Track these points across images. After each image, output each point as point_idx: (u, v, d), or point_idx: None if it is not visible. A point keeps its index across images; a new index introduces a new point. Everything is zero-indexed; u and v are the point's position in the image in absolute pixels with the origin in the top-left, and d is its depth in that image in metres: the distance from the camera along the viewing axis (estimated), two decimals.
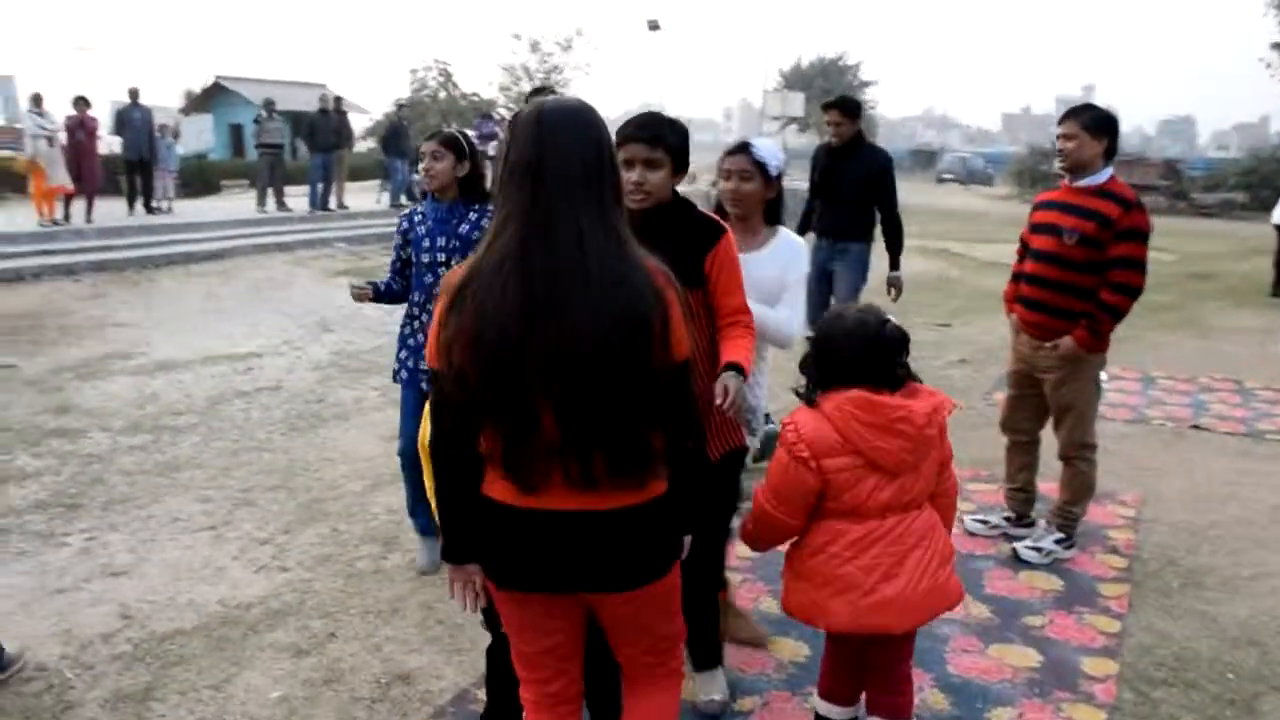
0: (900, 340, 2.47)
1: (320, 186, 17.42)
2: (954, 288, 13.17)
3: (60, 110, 14.41)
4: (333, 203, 17.64)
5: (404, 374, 4.03)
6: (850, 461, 2.40)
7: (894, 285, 6.38)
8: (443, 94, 40.71)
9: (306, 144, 17.41)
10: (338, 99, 18.03)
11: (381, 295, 4.09)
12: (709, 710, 3.09)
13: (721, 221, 2.91)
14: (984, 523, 4.60)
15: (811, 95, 43.82)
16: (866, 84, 54.28)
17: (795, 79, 53.08)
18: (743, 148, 3.26)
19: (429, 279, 3.90)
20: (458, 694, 3.24)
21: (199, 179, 25.31)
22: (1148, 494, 5.13)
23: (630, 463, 1.94)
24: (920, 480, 2.49)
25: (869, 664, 2.68)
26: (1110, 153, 4.06)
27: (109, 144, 17.52)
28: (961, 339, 9.44)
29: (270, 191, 17.38)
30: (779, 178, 3.28)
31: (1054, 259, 4.12)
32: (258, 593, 3.99)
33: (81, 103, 14.21)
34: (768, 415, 4.68)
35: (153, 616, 3.79)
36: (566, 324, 1.85)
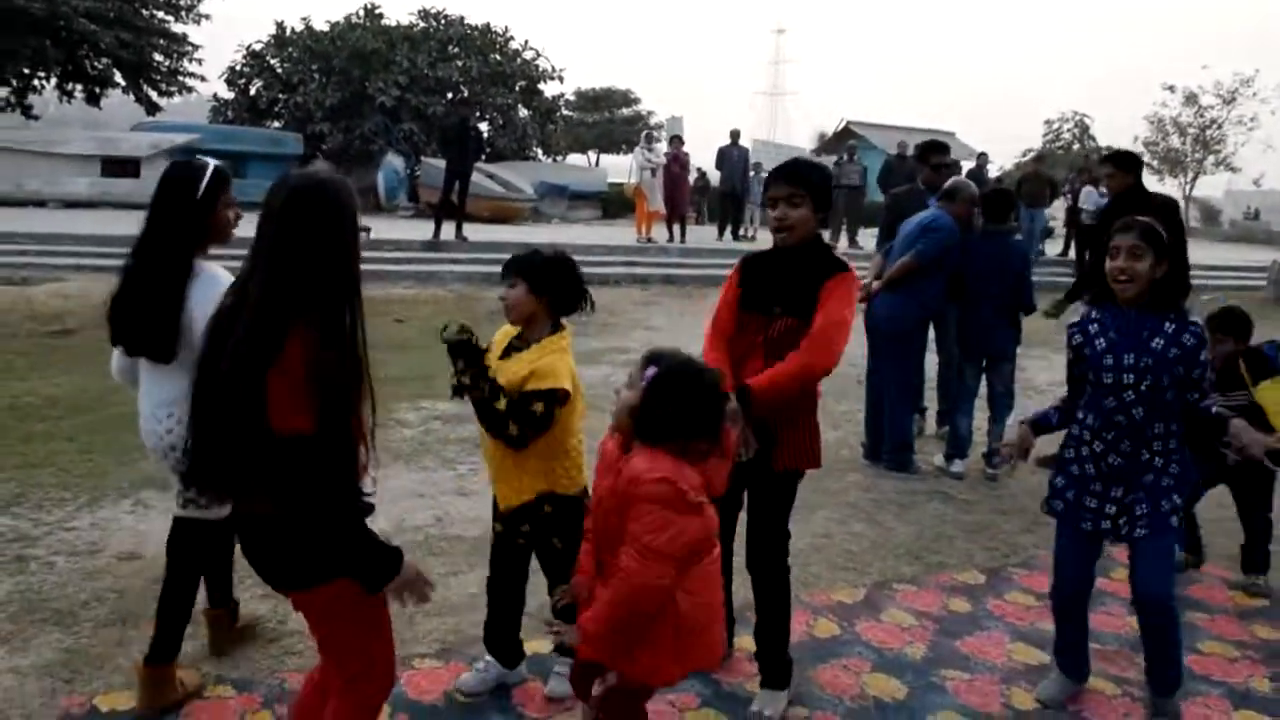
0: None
1: None
2: None
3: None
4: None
5: (1059, 504, 3.43)
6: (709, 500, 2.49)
7: None
8: (1076, 146, 39.14)
9: (880, 186, 18.24)
10: (918, 146, 18.56)
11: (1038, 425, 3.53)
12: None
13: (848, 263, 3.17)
14: None
15: None
16: None
17: None
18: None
19: (1110, 403, 3.23)
20: None
21: None
22: None
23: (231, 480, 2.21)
24: None
25: None
26: None
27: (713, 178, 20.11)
28: None
29: (844, 228, 18.59)
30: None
31: None
32: None
33: (676, 141, 16.63)
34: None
35: None
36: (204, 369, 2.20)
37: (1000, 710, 3.43)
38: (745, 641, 3.58)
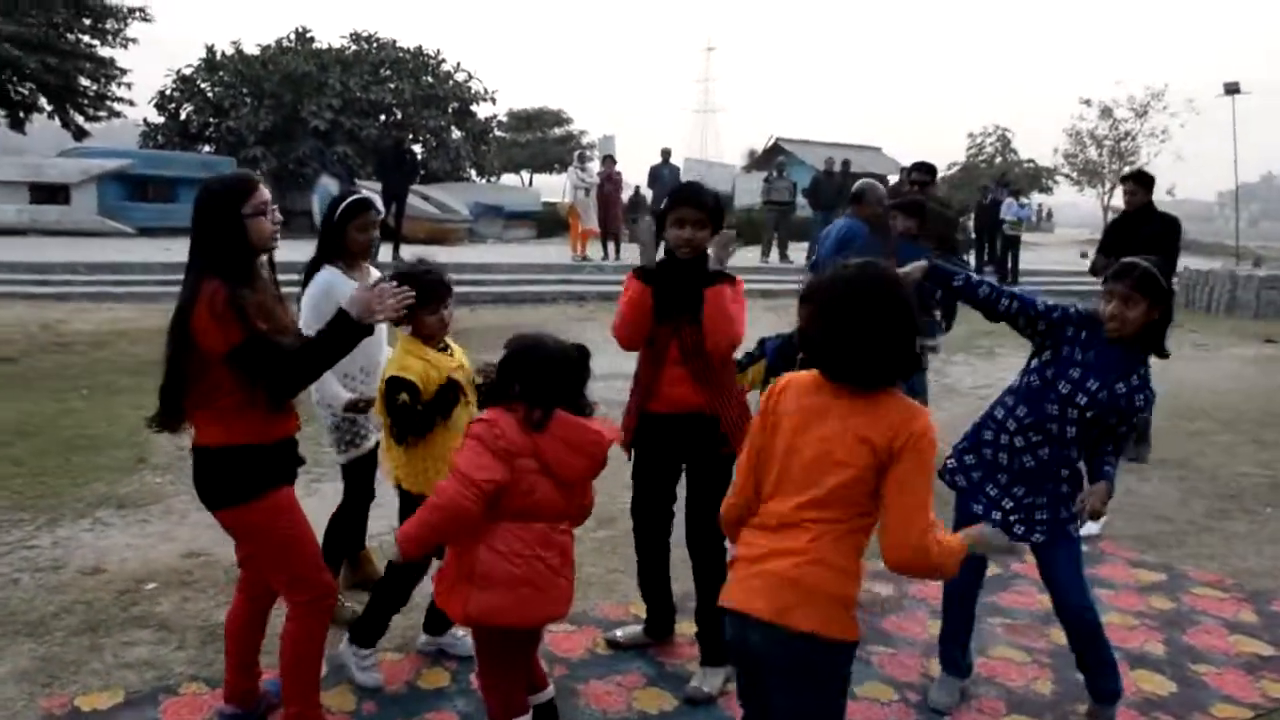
0: (587, 371, 2.87)
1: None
2: None
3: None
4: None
5: (961, 481, 3.44)
6: (533, 465, 2.72)
7: None
8: (999, 159, 40.36)
9: (809, 202, 18.79)
10: (845, 162, 19.18)
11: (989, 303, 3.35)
12: (691, 695, 3.53)
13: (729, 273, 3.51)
14: None
15: None
16: None
17: None
18: None
19: (1052, 409, 3.22)
20: None
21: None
22: None
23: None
24: (585, 494, 2.89)
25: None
26: None
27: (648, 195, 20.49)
28: None
29: (775, 244, 19.10)
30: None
31: None
32: None
33: (609, 160, 17.00)
34: None
35: None
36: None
37: (919, 679, 3.75)
38: (685, 627, 3.86)
